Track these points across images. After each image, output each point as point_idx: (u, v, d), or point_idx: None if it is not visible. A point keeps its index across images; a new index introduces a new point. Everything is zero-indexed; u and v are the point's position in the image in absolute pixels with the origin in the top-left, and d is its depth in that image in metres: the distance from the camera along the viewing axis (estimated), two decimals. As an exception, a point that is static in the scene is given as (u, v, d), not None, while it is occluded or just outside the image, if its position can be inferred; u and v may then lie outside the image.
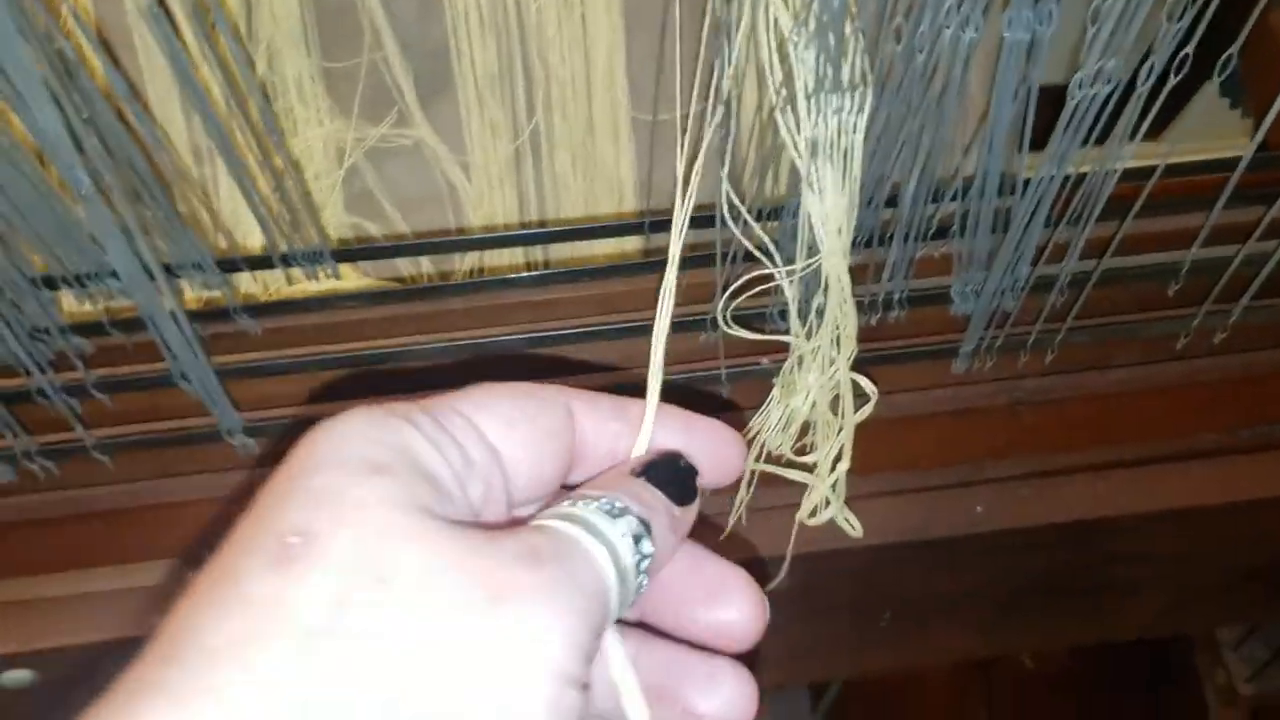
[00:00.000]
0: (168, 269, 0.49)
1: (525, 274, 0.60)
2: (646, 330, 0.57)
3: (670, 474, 0.31)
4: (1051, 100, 0.48)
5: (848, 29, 0.42)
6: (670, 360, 0.57)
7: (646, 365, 0.34)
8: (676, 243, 0.35)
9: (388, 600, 0.23)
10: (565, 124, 0.73)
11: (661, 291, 0.35)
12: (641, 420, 0.32)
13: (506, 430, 0.29)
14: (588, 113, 0.73)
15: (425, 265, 0.75)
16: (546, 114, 0.72)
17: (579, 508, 0.27)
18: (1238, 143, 0.86)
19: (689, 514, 0.31)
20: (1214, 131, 0.96)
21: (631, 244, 0.75)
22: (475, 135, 0.73)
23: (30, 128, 0.41)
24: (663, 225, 0.59)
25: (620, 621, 0.29)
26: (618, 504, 0.28)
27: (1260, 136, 0.52)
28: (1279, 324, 0.59)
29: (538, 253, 0.76)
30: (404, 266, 0.74)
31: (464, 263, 0.76)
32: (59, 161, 0.40)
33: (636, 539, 0.27)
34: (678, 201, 0.35)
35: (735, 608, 0.31)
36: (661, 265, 0.56)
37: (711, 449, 0.33)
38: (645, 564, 0.27)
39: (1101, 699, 1.29)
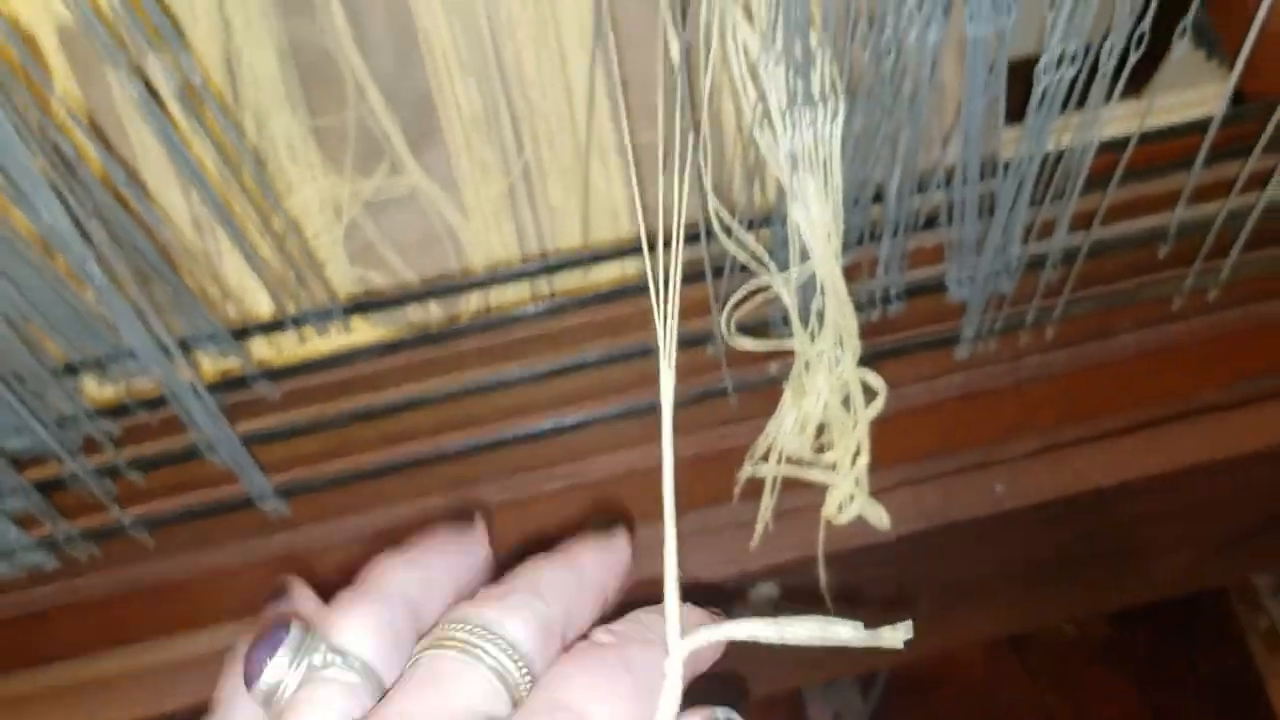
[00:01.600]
0: (183, 344, 0.50)
1: (530, 308, 0.62)
2: (650, 352, 0.59)
3: None
4: (1023, 75, 0.49)
5: (813, 41, 0.43)
6: (681, 375, 0.58)
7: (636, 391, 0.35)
8: (676, 272, 0.36)
9: None
10: (554, 155, 0.74)
11: (663, 330, 0.36)
12: None
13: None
14: (574, 142, 0.74)
15: (434, 309, 0.76)
16: (535, 148, 0.74)
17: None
18: (1216, 90, 0.87)
19: None
20: (1191, 82, 0.97)
21: (635, 265, 0.76)
22: (467, 176, 0.74)
23: (38, 226, 0.43)
24: (639, 247, 0.60)
25: None
26: None
27: (1230, 90, 0.53)
28: (1270, 276, 0.60)
29: (543, 284, 0.77)
30: (413, 313, 0.75)
31: (470, 303, 0.77)
32: (70, 256, 0.42)
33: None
34: (674, 225, 0.36)
35: None
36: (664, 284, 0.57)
37: None
38: None
39: (1144, 659, 1.29)
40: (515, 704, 0.29)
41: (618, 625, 0.32)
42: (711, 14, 0.47)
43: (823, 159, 0.45)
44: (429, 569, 0.34)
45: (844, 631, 0.30)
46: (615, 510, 0.59)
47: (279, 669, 0.29)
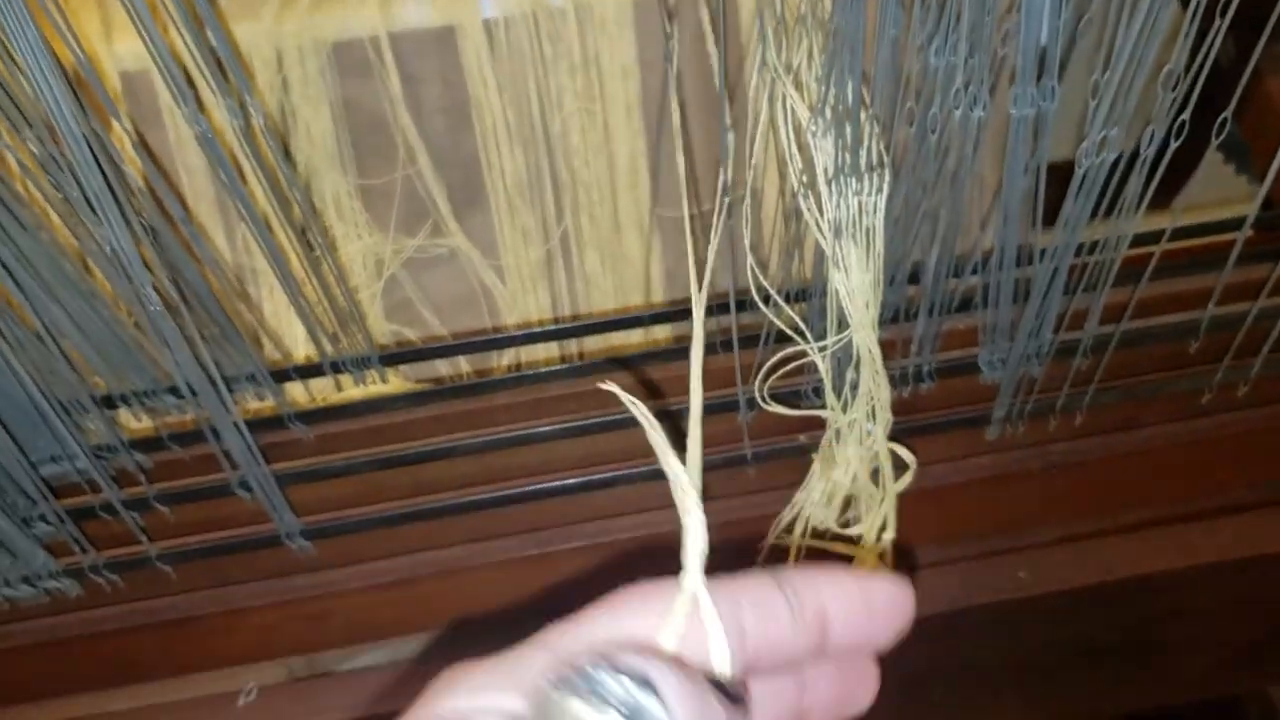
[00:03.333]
0: (225, 381, 0.51)
1: (563, 366, 0.63)
2: (676, 414, 0.59)
3: None
4: (1061, 178, 0.51)
5: (862, 116, 0.45)
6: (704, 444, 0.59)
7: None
8: (697, 343, 0.37)
9: None
10: (593, 225, 0.76)
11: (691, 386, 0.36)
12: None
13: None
14: (614, 213, 0.76)
15: (464, 365, 0.77)
16: (575, 217, 0.75)
17: None
18: (1243, 206, 0.88)
19: None
20: (1220, 196, 0.98)
21: (661, 332, 0.77)
22: (508, 241, 0.76)
23: (97, 249, 0.44)
24: (685, 313, 0.61)
25: None
26: None
27: (1264, 193, 0.54)
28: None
29: (572, 347, 0.78)
30: (443, 368, 0.76)
31: (501, 360, 0.78)
32: (130, 279, 0.43)
33: None
34: (694, 291, 0.37)
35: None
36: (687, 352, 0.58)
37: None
38: None
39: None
40: None
41: None
42: (763, 85, 0.49)
43: (865, 228, 0.46)
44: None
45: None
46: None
47: None
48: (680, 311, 0.62)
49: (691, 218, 0.74)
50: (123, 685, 0.58)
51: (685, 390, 0.60)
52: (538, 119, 0.72)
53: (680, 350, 0.64)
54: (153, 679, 0.59)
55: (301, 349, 0.68)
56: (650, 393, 0.64)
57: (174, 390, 0.53)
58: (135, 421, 0.58)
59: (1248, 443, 0.61)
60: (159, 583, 0.56)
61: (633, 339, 0.77)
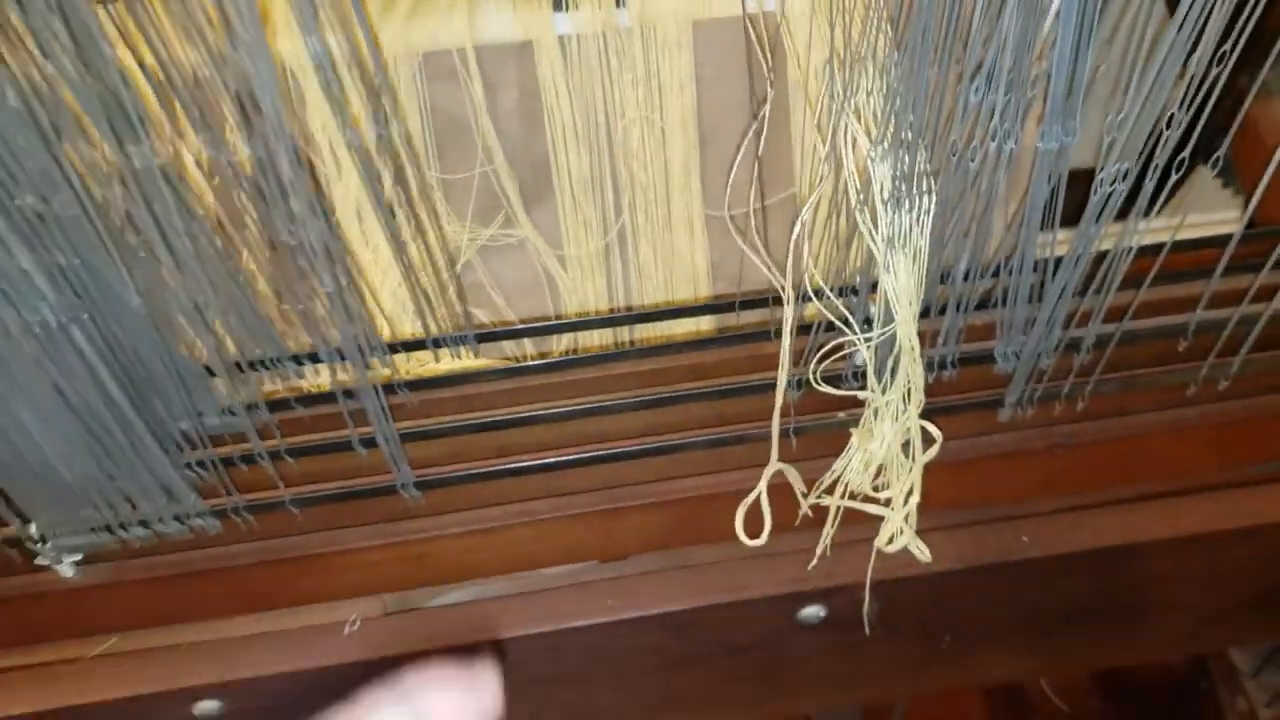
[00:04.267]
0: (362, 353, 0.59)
1: (632, 349, 0.71)
2: (733, 392, 0.68)
3: None
4: (1072, 181, 0.59)
5: (917, 147, 0.54)
6: (749, 418, 0.68)
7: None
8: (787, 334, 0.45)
9: None
10: (648, 221, 0.85)
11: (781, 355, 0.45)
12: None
13: None
14: (667, 211, 0.84)
15: (528, 347, 0.86)
16: (631, 213, 0.84)
17: None
18: (1231, 215, 0.98)
19: None
20: (1211, 207, 1.08)
21: (705, 323, 0.86)
22: (571, 233, 0.85)
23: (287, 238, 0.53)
24: (751, 304, 0.70)
25: None
26: None
27: (1248, 215, 0.63)
28: (1272, 374, 0.70)
29: (624, 333, 0.87)
30: (509, 347, 0.85)
31: (560, 344, 0.87)
32: (318, 266, 0.51)
33: None
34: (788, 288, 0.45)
35: None
36: (746, 338, 0.67)
37: None
38: None
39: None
40: None
41: None
42: (835, 117, 0.57)
43: (914, 240, 0.55)
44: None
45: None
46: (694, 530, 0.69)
47: None
48: (744, 304, 0.71)
49: (733, 217, 0.83)
50: (249, 613, 0.67)
51: (727, 373, 0.69)
52: (602, 125, 0.81)
53: (724, 339, 0.73)
54: (274, 608, 0.67)
55: (395, 327, 0.77)
56: (697, 375, 0.73)
57: (313, 357, 0.62)
58: (268, 385, 0.67)
59: (1226, 430, 0.70)
60: (287, 524, 0.65)
61: (679, 328, 0.86)
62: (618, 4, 0.76)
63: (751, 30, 0.77)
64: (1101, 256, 0.61)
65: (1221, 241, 0.63)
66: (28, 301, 0.50)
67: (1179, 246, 0.70)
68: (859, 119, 0.56)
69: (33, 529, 0.63)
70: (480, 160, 0.82)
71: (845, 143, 0.56)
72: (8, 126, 0.47)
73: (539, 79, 0.79)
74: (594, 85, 0.80)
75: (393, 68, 0.78)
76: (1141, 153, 0.55)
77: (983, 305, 0.67)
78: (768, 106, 0.78)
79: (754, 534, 0.67)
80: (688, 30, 0.78)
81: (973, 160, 0.55)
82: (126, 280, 0.52)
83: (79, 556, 0.64)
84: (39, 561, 0.64)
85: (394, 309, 0.75)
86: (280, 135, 0.47)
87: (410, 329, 0.75)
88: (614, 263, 0.87)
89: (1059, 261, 0.61)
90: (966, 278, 0.63)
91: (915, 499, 0.64)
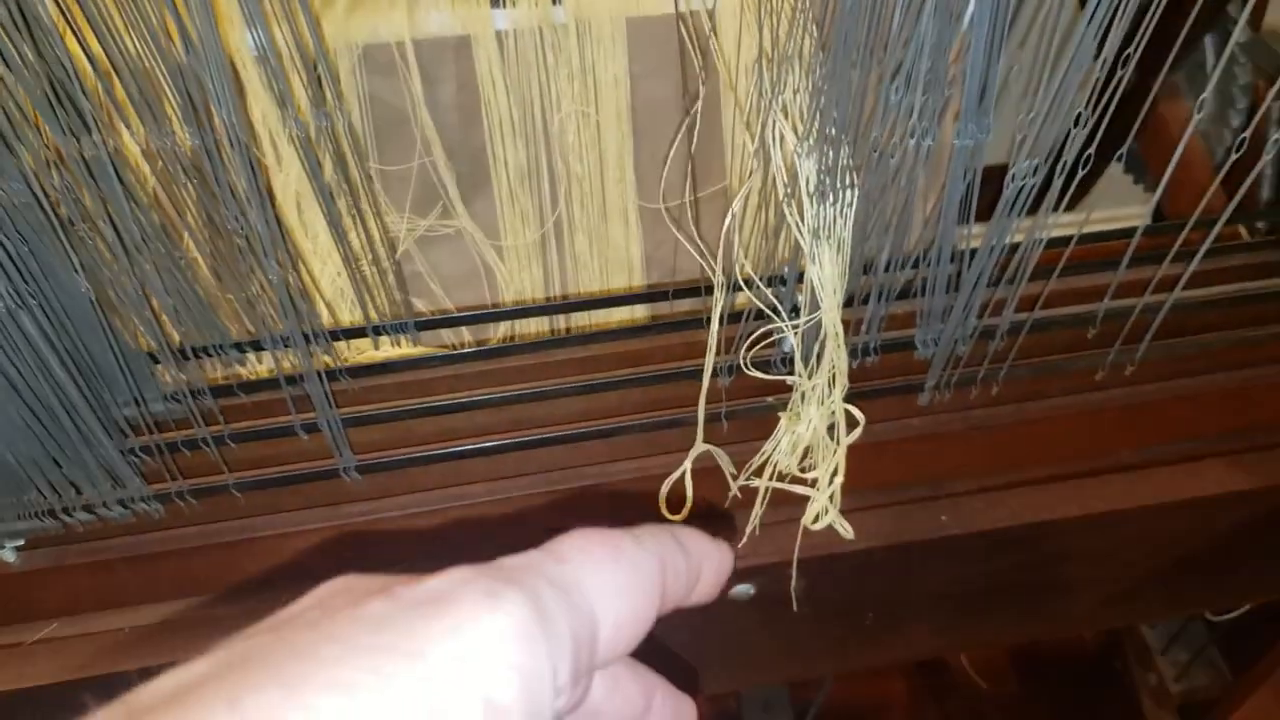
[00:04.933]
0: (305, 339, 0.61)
1: (569, 336, 0.74)
2: (665, 378, 0.71)
3: None
4: (987, 178, 0.63)
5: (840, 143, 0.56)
6: (682, 403, 0.71)
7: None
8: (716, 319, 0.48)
9: None
10: (583, 212, 0.87)
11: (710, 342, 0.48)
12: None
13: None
14: (602, 203, 0.87)
15: (466, 335, 0.88)
16: (568, 205, 0.86)
17: None
18: (1140, 211, 1.02)
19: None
20: (1121, 200, 1.12)
21: (640, 312, 0.88)
22: (508, 223, 0.87)
23: (231, 225, 0.54)
24: (684, 293, 0.72)
25: None
26: None
27: (1153, 204, 0.67)
28: (1175, 359, 0.74)
29: (560, 321, 0.89)
30: (448, 336, 0.87)
31: (498, 331, 0.89)
32: (264, 251, 0.53)
33: None
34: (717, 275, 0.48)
35: None
36: (679, 325, 0.70)
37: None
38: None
39: (1048, 714, 1.43)
40: None
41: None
42: (763, 114, 0.60)
43: (838, 231, 0.58)
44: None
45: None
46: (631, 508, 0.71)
47: None
48: (678, 293, 0.73)
49: (671, 209, 0.86)
50: (192, 596, 0.69)
51: (661, 360, 0.72)
52: (539, 118, 0.83)
53: (658, 326, 0.75)
54: (216, 591, 0.69)
55: (335, 313, 0.79)
56: (632, 361, 0.75)
57: (254, 344, 0.63)
58: (212, 372, 0.68)
59: (1133, 413, 0.74)
60: (230, 507, 0.66)
61: (614, 316, 0.88)
62: (554, 1, 0.78)
63: (683, 27, 0.80)
64: (1015, 248, 0.65)
65: (1128, 234, 0.67)
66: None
67: (1088, 239, 0.74)
68: (786, 116, 0.59)
69: (-25, 512, 0.64)
70: (419, 152, 0.83)
71: (773, 138, 0.59)
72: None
73: (476, 73, 0.81)
74: (530, 79, 0.82)
75: (332, 59, 0.79)
76: (1051, 150, 0.59)
77: (904, 295, 0.70)
78: (699, 103, 0.81)
79: (679, 513, 0.70)
80: (621, 27, 0.81)
81: (893, 156, 0.58)
82: (75, 268, 0.53)
83: (21, 541, 0.65)
84: (-18, 545, 0.65)
85: (334, 296, 0.77)
86: (229, 126, 0.49)
87: (349, 316, 0.76)
88: (550, 253, 0.89)
89: (974, 253, 0.64)
90: (888, 268, 0.66)
91: (839, 479, 0.67)
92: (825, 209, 0.57)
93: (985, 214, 0.63)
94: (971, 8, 0.53)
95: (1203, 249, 0.65)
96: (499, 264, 0.88)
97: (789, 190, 0.58)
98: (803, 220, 0.58)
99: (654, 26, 0.81)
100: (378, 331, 0.70)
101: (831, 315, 0.60)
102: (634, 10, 0.80)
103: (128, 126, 0.55)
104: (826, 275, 0.59)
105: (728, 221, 0.59)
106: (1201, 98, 0.58)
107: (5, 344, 0.53)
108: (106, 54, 0.50)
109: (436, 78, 0.81)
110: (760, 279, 0.63)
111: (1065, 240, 0.67)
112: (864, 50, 0.54)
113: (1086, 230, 0.70)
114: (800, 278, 0.62)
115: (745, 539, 0.70)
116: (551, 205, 0.86)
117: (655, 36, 0.81)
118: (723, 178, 0.86)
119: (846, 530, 0.68)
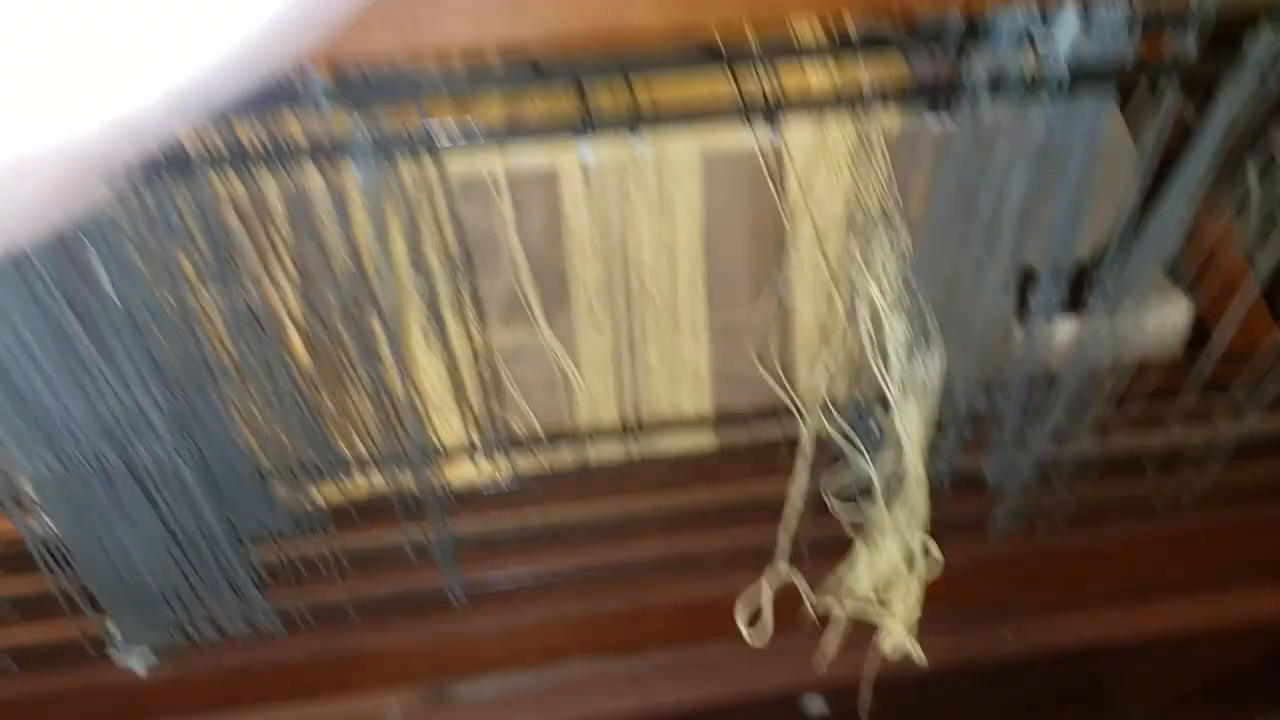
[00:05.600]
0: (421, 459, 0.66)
1: (648, 460, 0.78)
2: (744, 506, 0.75)
3: None
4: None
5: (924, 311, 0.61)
6: (759, 521, 0.75)
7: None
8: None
9: None
10: (655, 327, 0.91)
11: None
12: None
13: None
14: (674, 320, 0.91)
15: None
16: (641, 320, 0.91)
17: None
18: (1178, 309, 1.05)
19: None
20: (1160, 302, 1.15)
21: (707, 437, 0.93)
22: (584, 337, 0.91)
23: (357, 363, 0.59)
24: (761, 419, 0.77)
25: None
26: None
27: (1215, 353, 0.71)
28: (1227, 492, 0.78)
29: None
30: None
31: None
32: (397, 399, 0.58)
33: None
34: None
35: None
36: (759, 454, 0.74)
37: None
38: None
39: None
40: None
41: None
42: (861, 284, 0.64)
43: (922, 384, 0.62)
44: None
45: None
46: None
47: None
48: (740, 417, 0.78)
49: (732, 327, 0.91)
50: (296, 701, 0.73)
51: (732, 477, 0.76)
52: (616, 239, 0.88)
53: (738, 450, 0.80)
54: (319, 696, 0.73)
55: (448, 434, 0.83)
56: (708, 479, 0.80)
57: (375, 463, 0.68)
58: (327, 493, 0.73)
59: (1187, 540, 0.78)
60: (340, 621, 0.71)
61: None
62: (634, 136, 0.83)
63: (761, 163, 0.85)
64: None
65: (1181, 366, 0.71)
66: (145, 440, 0.56)
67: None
68: (870, 275, 0.64)
69: (110, 626, 0.68)
70: (507, 271, 0.88)
71: (859, 299, 0.63)
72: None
73: (561, 201, 0.86)
74: (611, 207, 0.87)
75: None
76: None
77: (978, 428, 0.75)
78: (780, 274, 0.86)
79: (760, 634, 0.74)
80: (698, 161, 0.86)
81: (970, 315, 0.62)
82: (231, 417, 0.58)
83: (151, 654, 0.69)
84: (113, 656, 0.69)
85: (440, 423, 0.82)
86: (376, 304, 0.54)
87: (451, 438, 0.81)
88: (623, 364, 0.93)
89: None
90: (967, 410, 0.70)
91: (915, 608, 0.71)
92: (912, 364, 0.61)
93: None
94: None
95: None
96: (575, 374, 0.92)
97: (875, 342, 0.63)
98: (887, 369, 0.62)
99: (729, 161, 0.86)
100: (484, 450, 0.75)
101: (915, 459, 0.64)
102: (710, 146, 0.85)
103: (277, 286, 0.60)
104: (911, 423, 0.63)
105: (818, 370, 0.64)
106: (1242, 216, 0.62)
107: (163, 485, 0.58)
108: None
109: (523, 201, 0.86)
110: (836, 406, 0.68)
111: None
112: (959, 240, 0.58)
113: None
114: (881, 404, 0.67)
115: (819, 658, 0.74)
116: (627, 320, 0.91)
117: (730, 170, 0.86)
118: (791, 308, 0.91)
119: (919, 657, 0.72)
